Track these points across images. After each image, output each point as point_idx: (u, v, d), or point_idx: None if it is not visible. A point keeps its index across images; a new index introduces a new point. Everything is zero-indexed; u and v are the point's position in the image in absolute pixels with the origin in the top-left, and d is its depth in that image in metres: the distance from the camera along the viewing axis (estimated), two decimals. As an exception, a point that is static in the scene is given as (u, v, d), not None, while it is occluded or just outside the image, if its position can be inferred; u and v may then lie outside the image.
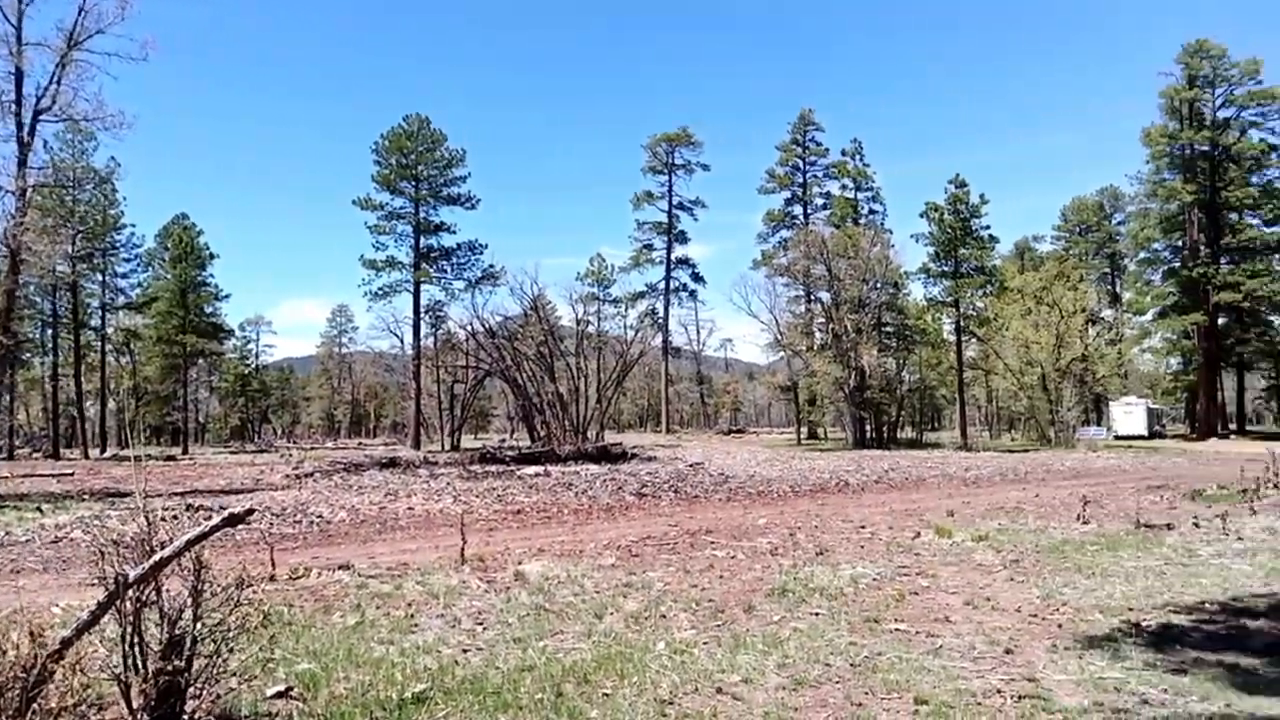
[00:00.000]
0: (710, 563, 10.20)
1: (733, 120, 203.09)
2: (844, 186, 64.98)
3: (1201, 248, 61.43)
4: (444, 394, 62.84)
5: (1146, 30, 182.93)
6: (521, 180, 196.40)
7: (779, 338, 59.87)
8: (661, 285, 77.10)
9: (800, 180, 69.69)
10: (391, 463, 29.98)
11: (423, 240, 61.49)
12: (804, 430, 65.00)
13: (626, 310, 76.74)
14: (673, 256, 77.01)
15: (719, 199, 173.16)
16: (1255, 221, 62.70)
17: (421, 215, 61.25)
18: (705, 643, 6.40)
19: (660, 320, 76.47)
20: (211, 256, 67.90)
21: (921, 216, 56.02)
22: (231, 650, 4.62)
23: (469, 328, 47.19)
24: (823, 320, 56.94)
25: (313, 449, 53.96)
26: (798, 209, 69.65)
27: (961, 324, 57.16)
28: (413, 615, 7.43)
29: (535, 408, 39.19)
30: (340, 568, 9.80)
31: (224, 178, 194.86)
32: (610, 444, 36.74)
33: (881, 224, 61.56)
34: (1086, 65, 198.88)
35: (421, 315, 61.82)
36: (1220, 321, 62.61)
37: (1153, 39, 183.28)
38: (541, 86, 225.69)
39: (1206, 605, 7.51)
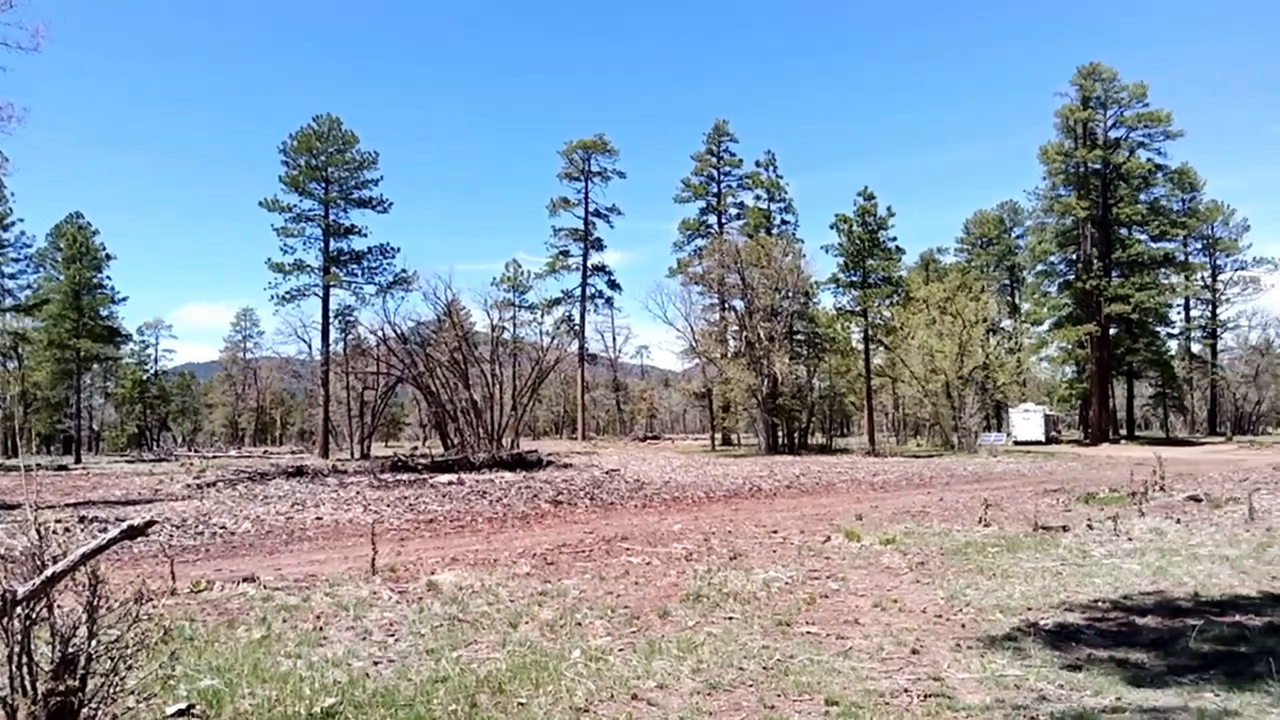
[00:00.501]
0: (626, 569, 10.22)
1: (650, 129, 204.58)
2: (757, 197, 66.09)
3: (1094, 261, 64.46)
4: (354, 401, 61.46)
5: (1045, 50, 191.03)
6: (436, 184, 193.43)
7: (694, 345, 60.40)
8: (578, 292, 76.98)
9: (715, 190, 70.52)
10: (299, 471, 29.17)
11: (333, 243, 60.13)
12: (718, 436, 65.64)
13: (542, 317, 76.35)
14: (589, 263, 77.03)
15: (636, 207, 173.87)
16: (1143, 237, 66.27)
17: (331, 218, 59.89)
18: (621, 649, 6.41)
19: (576, 327, 76.34)
20: (108, 257, 65.02)
21: (831, 228, 57.23)
22: (129, 668, 4.44)
23: (380, 333, 46.28)
24: (736, 328, 57.65)
25: (215, 458, 52.08)
26: (712, 218, 70.46)
27: (869, 333, 58.60)
28: (321, 628, 7.25)
29: (448, 415, 38.65)
30: (245, 580, 9.50)
31: (122, 176, 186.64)
32: (525, 451, 36.45)
33: (793, 234, 62.78)
34: (990, 82, 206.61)
35: (331, 320, 60.52)
36: (1111, 332, 65.89)
37: (1051, 59, 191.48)
38: (456, 90, 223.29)
39: (1099, 603, 7.85)
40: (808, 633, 6.90)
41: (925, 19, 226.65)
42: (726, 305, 60.64)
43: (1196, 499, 17.06)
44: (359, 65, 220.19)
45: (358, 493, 22.31)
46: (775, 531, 13.83)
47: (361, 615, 7.70)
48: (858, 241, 55.94)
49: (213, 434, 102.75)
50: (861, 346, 60.86)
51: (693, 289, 60.96)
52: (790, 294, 53.83)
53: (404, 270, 60.41)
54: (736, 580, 9.04)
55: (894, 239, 57.29)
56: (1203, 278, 79.04)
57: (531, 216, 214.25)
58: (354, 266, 61.06)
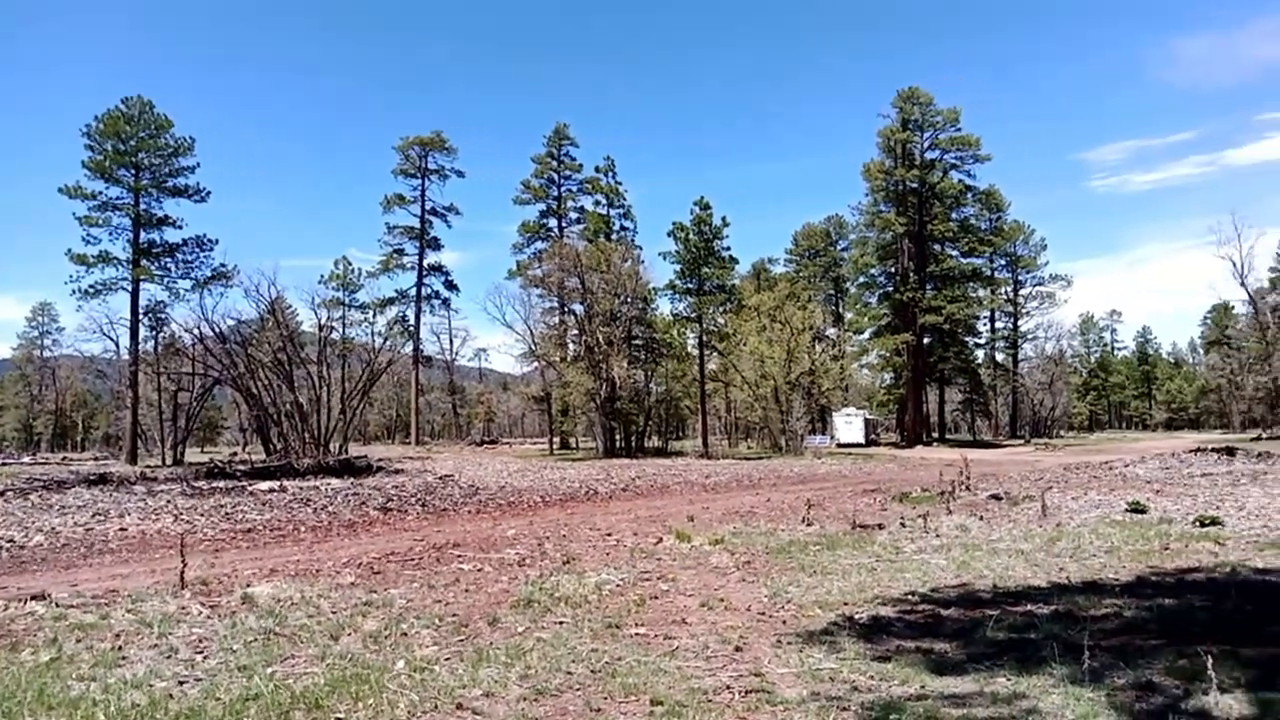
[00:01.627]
0: (456, 577, 10.02)
1: (491, 129, 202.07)
2: (597, 202, 66.58)
3: (911, 274, 68.69)
4: (166, 403, 57.50)
5: (874, 72, 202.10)
6: (261, 175, 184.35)
7: (533, 348, 60.19)
8: (413, 292, 75.21)
9: (555, 193, 70.56)
10: (102, 479, 27.03)
11: (143, 234, 56.01)
12: (556, 440, 65.63)
13: (375, 317, 74.23)
14: (425, 263, 75.50)
15: (475, 207, 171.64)
16: (954, 253, 71.47)
17: (142, 207, 55.82)
18: (447, 659, 6.27)
19: (411, 328, 74.55)
20: (-124, 242, 58.34)
21: (669, 235, 58.39)
22: (-117, 702, 3.97)
23: (196, 331, 43.48)
24: (576, 332, 57.91)
25: (6, 465, 47.52)
26: (553, 222, 70.49)
27: (704, 339, 60.14)
28: (121, 647, 6.72)
29: (271, 418, 36.81)
30: (34, 598, 8.69)
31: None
32: (355, 457, 35.23)
33: (632, 240, 63.66)
34: (821, 100, 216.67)
35: (140, 316, 56.38)
36: (926, 341, 70.44)
37: (879, 81, 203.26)
38: (283, 78, 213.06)
39: (910, 597, 8.32)
40: (636, 634, 6.97)
41: (757, 37, 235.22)
42: (566, 309, 60.77)
43: (998, 497, 18.39)
44: (174, 46, 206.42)
45: (169, 501, 20.90)
46: (609, 534, 13.93)
47: (167, 632, 7.20)
48: (694, 250, 57.28)
49: (3, 439, 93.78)
50: (697, 352, 62.35)
51: (532, 292, 60.85)
52: (629, 299, 54.47)
53: (223, 265, 56.99)
54: (569, 584, 9.03)
55: (728, 248, 59.13)
56: (1006, 292, 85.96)
57: (364, 212, 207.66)
58: (167, 260, 57.07)
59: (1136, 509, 14.88)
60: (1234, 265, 64.43)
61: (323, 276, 75.06)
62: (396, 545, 13.28)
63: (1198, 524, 12.88)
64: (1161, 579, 8.92)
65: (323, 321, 51.27)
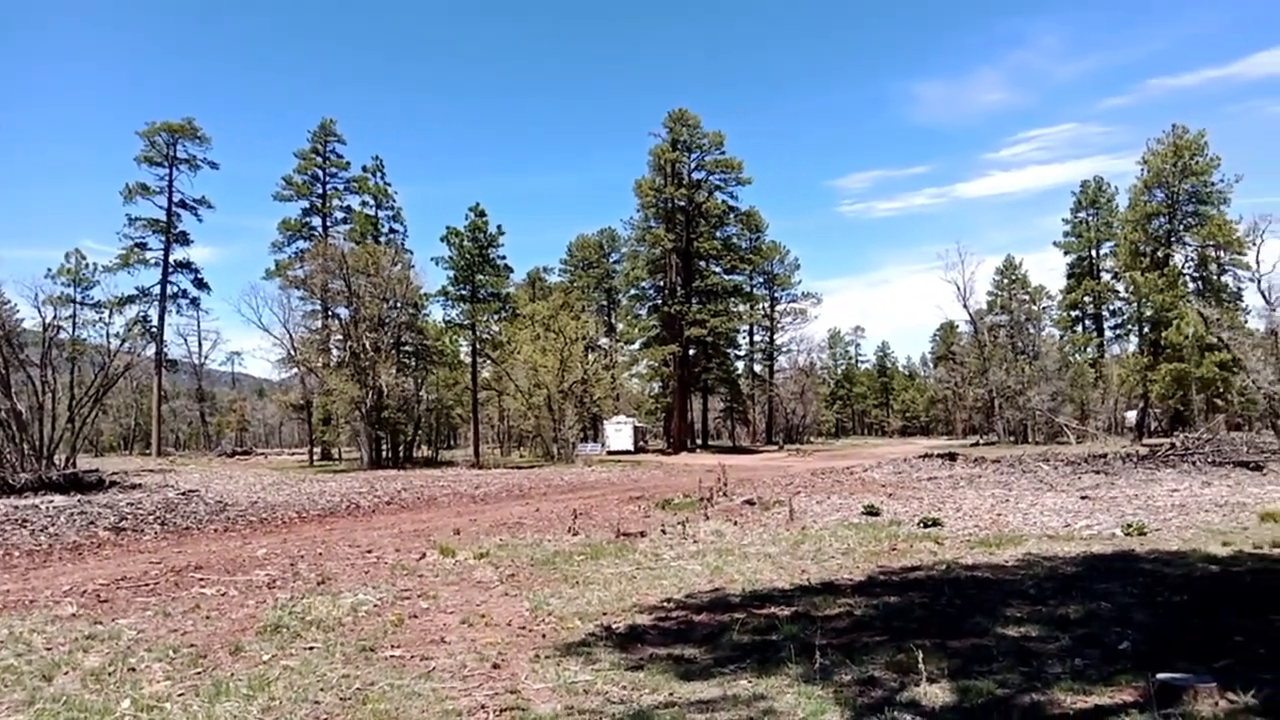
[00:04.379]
0: (196, 602, 9.32)
1: (248, 121, 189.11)
2: (365, 203, 64.18)
3: (678, 289, 71.55)
4: None
5: (648, 90, 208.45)
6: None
7: (293, 353, 56.98)
8: (156, 290, 69.16)
9: (320, 191, 67.23)
10: None
11: None
12: (318, 451, 62.52)
13: (112, 316, 67.56)
14: (172, 259, 69.58)
15: (230, 201, 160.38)
16: (718, 269, 75.25)
17: None
18: (181, 694, 5.82)
19: (154, 329, 68.47)
20: None
21: (442, 240, 57.32)
22: None
23: (-113, 329, 37.70)
24: (341, 337, 55.35)
25: None
26: (316, 220, 67.08)
27: (478, 346, 59.49)
28: None
29: (-18, 428, 32.56)
30: None
31: None
32: (84, 471, 31.85)
33: (403, 244, 61.83)
34: (591, 113, 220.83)
35: None
36: (691, 352, 73.53)
37: (654, 100, 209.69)
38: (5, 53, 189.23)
39: (666, 604, 8.63)
40: (392, 657, 6.78)
41: (533, 50, 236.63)
42: (330, 313, 58.10)
43: (751, 503, 19.47)
44: None
45: None
46: (370, 551, 13.46)
47: None
48: (468, 256, 56.57)
49: None
50: (470, 360, 61.56)
51: (293, 293, 57.65)
52: (399, 304, 52.87)
53: (-74, 254, 50.23)
54: (322, 606, 8.64)
55: (503, 256, 58.91)
56: (763, 308, 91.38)
57: (102, 201, 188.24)
58: None
59: (871, 512, 16.26)
60: (958, 289, 72.12)
61: (50, 270, 67.53)
62: (129, 569, 12.15)
63: (922, 525, 14.26)
64: (889, 578, 9.78)
65: (49, 320, 45.84)
